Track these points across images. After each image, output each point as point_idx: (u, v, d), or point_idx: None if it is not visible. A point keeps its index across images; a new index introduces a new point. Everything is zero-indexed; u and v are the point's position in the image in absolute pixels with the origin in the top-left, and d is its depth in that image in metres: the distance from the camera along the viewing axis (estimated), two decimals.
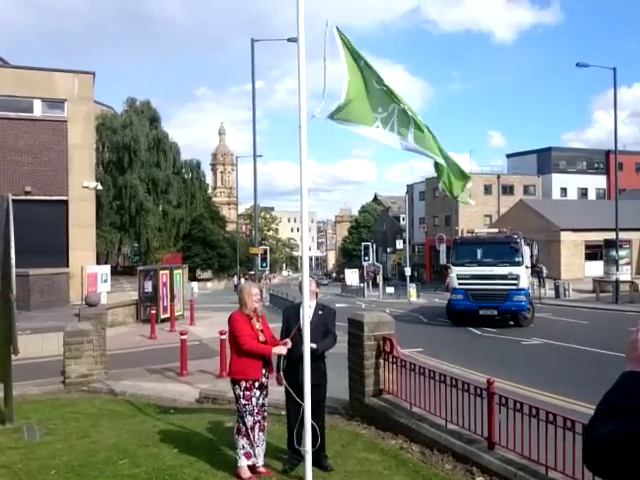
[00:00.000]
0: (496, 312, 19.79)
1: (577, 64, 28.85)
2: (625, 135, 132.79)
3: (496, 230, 22.13)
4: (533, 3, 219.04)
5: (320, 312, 5.81)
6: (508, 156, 68.05)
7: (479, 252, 20.40)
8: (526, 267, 19.22)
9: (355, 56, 4.93)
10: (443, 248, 24.01)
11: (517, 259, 19.36)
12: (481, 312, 19.74)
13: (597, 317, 23.88)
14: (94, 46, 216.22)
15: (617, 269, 30.91)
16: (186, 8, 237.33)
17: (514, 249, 19.37)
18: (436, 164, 5.12)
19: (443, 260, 23.54)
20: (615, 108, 29.76)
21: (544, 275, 38.89)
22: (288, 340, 5.51)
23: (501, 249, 19.96)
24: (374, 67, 4.97)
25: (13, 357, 7.82)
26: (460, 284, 20.29)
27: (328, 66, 4.82)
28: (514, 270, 19.07)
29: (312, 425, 5.04)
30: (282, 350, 5.49)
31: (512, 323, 20.28)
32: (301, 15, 4.92)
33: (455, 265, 20.58)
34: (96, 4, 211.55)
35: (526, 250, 19.81)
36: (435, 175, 5.42)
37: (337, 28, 4.90)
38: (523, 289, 19.05)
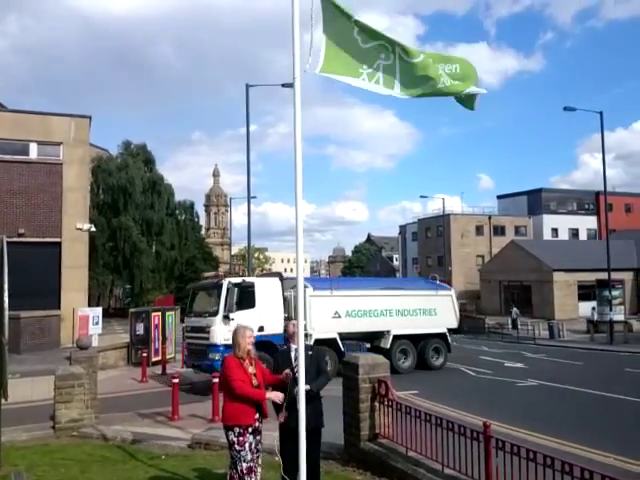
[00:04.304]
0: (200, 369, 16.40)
1: (565, 108, 29.54)
2: (612, 177, 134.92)
3: (213, 274, 18.91)
4: (518, 51, 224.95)
5: (310, 353, 5.80)
6: (499, 197, 68.76)
7: (197, 300, 17.74)
8: (224, 317, 15.48)
9: (340, 19, 5.08)
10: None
11: (214, 308, 16.02)
12: (195, 370, 16.68)
13: (592, 358, 23.81)
14: (91, 91, 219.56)
15: (610, 309, 30.98)
16: (182, 56, 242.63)
17: (217, 296, 15.98)
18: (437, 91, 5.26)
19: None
20: (603, 150, 30.38)
21: (514, 317, 39.05)
22: (288, 371, 5.48)
23: (209, 297, 17.06)
24: (365, 23, 5.13)
25: (2, 402, 7.70)
26: (185, 337, 17.95)
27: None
28: (210, 321, 15.79)
29: (307, 471, 4.97)
30: (278, 397, 5.45)
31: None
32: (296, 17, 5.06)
33: (187, 315, 18.01)
34: (94, 52, 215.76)
35: (231, 296, 15.90)
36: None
37: None
38: (216, 344, 15.29)
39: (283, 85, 22.28)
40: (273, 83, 24.63)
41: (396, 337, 18.76)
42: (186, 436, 9.53)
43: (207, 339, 15.58)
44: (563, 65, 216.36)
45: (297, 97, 5.17)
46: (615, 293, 32.87)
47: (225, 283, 16.03)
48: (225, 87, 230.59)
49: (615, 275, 32.39)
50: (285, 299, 17.06)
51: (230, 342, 15.91)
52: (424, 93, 5.29)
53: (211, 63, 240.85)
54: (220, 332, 15.29)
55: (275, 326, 16.01)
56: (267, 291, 16.66)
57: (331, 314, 17.58)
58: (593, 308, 34.70)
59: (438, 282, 21.21)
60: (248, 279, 17.31)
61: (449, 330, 20.18)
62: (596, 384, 15.67)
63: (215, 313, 15.68)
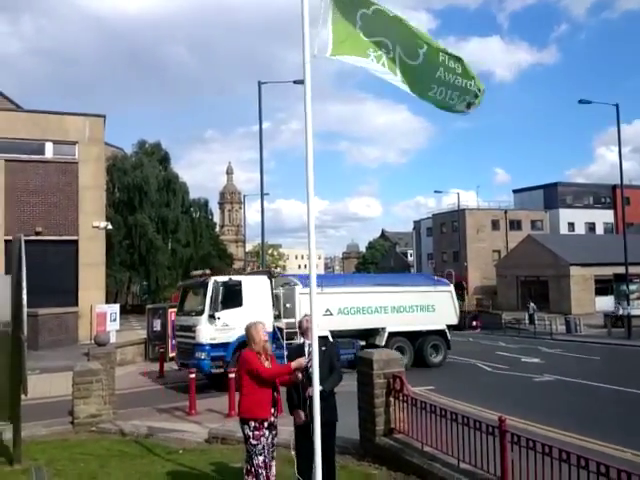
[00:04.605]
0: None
1: (580, 101, 29.21)
2: (628, 170, 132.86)
3: (200, 272, 17.56)
4: (531, 44, 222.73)
5: (323, 348, 5.80)
6: (515, 191, 68.25)
7: (187, 299, 17.47)
8: (210, 316, 15.19)
9: (349, 9, 5.09)
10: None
11: (200, 307, 15.79)
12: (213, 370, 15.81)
13: (609, 353, 23.60)
14: (106, 91, 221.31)
15: (628, 304, 30.66)
16: (196, 54, 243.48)
17: (204, 295, 15.70)
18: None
19: None
20: (619, 143, 30.06)
21: (531, 312, 38.77)
22: (306, 358, 5.53)
23: (196, 295, 16.75)
24: (379, 7, 5.14)
25: (22, 397, 7.83)
26: (175, 336, 17.91)
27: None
28: (196, 320, 15.56)
29: (322, 466, 5.00)
30: (301, 364, 5.57)
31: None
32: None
33: (177, 314, 17.92)
34: (109, 52, 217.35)
35: (217, 295, 15.54)
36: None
37: None
38: (201, 344, 15.03)
39: (295, 82, 22.31)
40: (285, 80, 24.53)
41: (392, 334, 18.36)
42: (203, 431, 9.61)
43: (194, 338, 15.31)
44: (578, 57, 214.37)
45: (307, 81, 5.17)
46: (633, 287, 32.55)
47: (211, 282, 15.61)
48: (238, 85, 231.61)
49: (633, 269, 32.03)
50: (277, 297, 16.89)
51: (216, 342, 14.90)
52: (417, 93, 5.34)
53: (224, 61, 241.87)
54: (205, 331, 15.13)
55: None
56: (255, 289, 16.24)
57: (322, 312, 16.67)
58: (618, 303, 34.21)
59: (437, 278, 20.86)
60: (235, 277, 17.00)
61: (449, 327, 19.73)
62: (613, 379, 15.54)
63: (201, 312, 15.40)
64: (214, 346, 15.16)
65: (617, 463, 4.91)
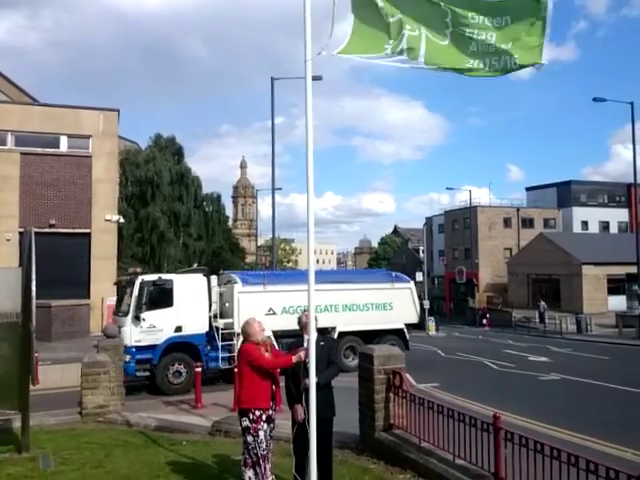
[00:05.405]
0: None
1: (594, 99, 29.06)
2: None
3: (132, 270, 16.94)
4: (550, 40, 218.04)
5: (322, 343, 5.91)
6: (528, 189, 67.76)
7: (123, 298, 16.42)
8: (135, 317, 14.57)
9: None
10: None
11: (124, 308, 15.33)
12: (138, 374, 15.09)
13: (619, 353, 23.50)
14: (123, 84, 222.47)
15: (639, 303, 30.46)
16: (212, 48, 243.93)
17: (130, 294, 15.05)
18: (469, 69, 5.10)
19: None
20: (633, 141, 29.76)
21: (542, 310, 38.64)
22: (306, 348, 5.61)
23: (127, 295, 15.80)
24: None
25: (32, 387, 8.03)
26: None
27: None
28: (122, 321, 14.92)
29: (318, 459, 5.11)
30: (301, 357, 5.61)
31: None
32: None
33: (114, 314, 17.16)
34: (125, 44, 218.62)
35: (144, 295, 14.87)
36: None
37: None
38: (126, 346, 13.93)
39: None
40: (299, 76, 24.54)
41: (343, 334, 17.33)
42: (207, 423, 9.78)
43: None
44: (596, 54, 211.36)
45: (308, 77, 5.26)
46: None
47: (137, 281, 14.97)
48: (254, 80, 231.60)
49: None
50: (221, 295, 16.36)
51: (142, 344, 14.52)
52: (452, 68, 5.12)
53: (241, 56, 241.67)
54: (131, 333, 14.53)
55: (196, 326, 15.19)
56: (188, 288, 15.42)
57: (264, 311, 16.05)
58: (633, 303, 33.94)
59: (395, 274, 19.75)
60: (165, 276, 16.33)
61: (408, 326, 18.54)
62: (620, 379, 15.51)
63: (127, 313, 14.87)
64: (140, 348, 14.69)
65: (614, 462, 4.97)
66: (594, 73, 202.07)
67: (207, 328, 15.28)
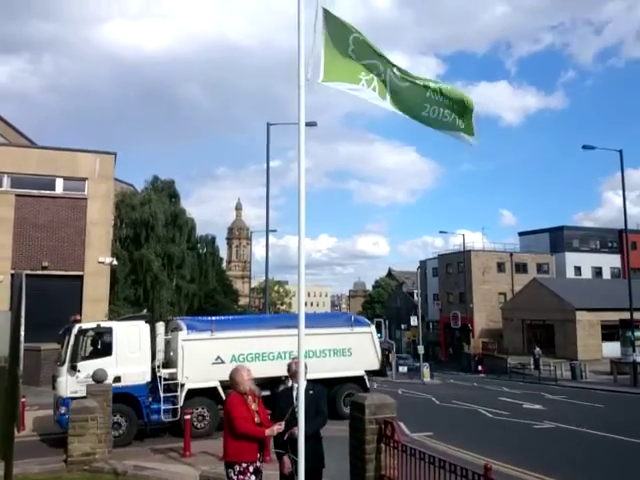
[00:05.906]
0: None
1: (583, 146, 29.58)
2: (636, 215, 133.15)
3: (74, 317, 16.01)
4: (539, 89, 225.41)
5: (311, 392, 5.87)
6: (520, 234, 68.29)
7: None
8: (71, 367, 13.72)
9: (340, 34, 5.34)
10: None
11: (63, 357, 14.35)
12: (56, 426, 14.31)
13: (614, 400, 23.29)
14: (119, 126, 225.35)
15: (634, 350, 30.35)
16: (209, 93, 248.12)
17: (67, 343, 14.27)
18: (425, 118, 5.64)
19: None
20: (623, 188, 30.24)
21: (537, 357, 38.43)
22: (282, 423, 5.55)
23: (64, 343, 14.80)
24: (364, 38, 5.43)
25: (17, 434, 7.87)
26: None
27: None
28: (58, 371, 14.13)
29: None
30: (278, 429, 5.50)
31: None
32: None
33: (55, 363, 16.16)
34: (122, 88, 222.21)
35: (80, 344, 14.26)
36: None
37: (324, 10, 5.32)
38: (62, 397, 13.30)
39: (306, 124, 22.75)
40: (294, 122, 25.04)
41: None
42: (195, 473, 9.59)
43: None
44: (585, 103, 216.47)
45: (301, 103, 5.50)
46: (638, 334, 32.21)
47: (74, 329, 14.19)
48: (251, 123, 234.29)
49: (638, 315, 31.79)
50: (168, 343, 15.32)
51: (78, 395, 13.19)
52: (410, 115, 5.61)
53: (238, 101, 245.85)
54: (66, 384, 13.65)
55: (137, 376, 14.25)
56: (129, 336, 14.52)
57: (212, 359, 15.01)
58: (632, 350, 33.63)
59: (355, 317, 18.69)
60: (104, 323, 15.50)
61: (369, 372, 17.39)
62: (615, 427, 15.34)
63: (64, 362, 13.98)
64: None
65: None
66: (584, 120, 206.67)
67: (149, 378, 14.44)
